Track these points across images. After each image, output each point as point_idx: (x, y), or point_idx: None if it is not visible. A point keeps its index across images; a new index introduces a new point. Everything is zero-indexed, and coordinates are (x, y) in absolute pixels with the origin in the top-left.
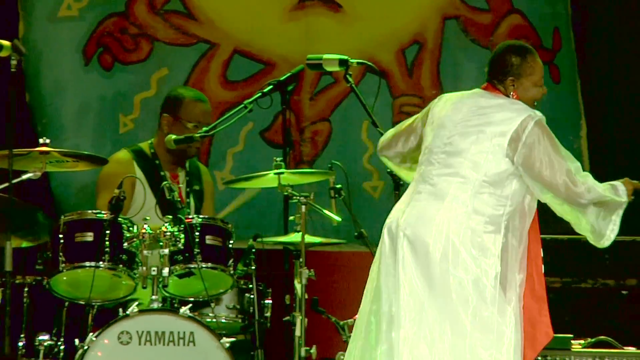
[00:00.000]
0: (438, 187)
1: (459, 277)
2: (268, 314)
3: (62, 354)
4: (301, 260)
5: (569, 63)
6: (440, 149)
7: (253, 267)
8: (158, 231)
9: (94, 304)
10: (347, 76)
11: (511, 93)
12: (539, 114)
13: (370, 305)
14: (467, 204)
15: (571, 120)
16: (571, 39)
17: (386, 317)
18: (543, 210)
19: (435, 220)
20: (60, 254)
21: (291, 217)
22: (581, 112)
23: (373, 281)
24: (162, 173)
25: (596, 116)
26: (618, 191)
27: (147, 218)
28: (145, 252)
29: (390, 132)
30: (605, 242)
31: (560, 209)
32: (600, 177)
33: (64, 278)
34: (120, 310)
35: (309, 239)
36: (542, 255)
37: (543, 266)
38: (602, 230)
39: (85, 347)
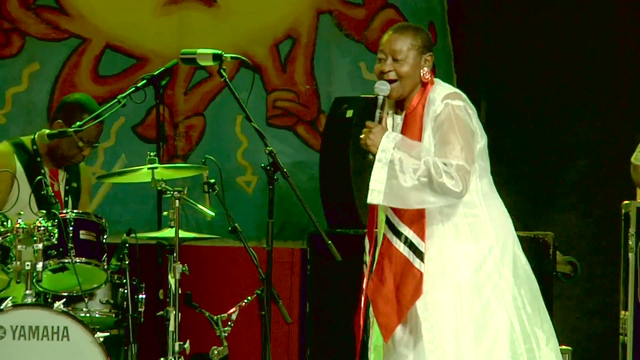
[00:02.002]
0: None
1: None
2: (142, 309)
3: None
4: (175, 255)
5: (444, 58)
6: None
7: (127, 262)
8: (32, 226)
9: None
10: (221, 71)
11: None
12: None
13: None
14: None
15: None
16: (447, 33)
17: None
18: None
19: None
20: None
21: (165, 212)
22: None
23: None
24: (42, 170)
25: None
26: None
27: (21, 213)
28: (19, 246)
29: None
30: None
31: None
32: None
33: None
34: None
35: (182, 234)
36: None
37: None
38: None
39: None
